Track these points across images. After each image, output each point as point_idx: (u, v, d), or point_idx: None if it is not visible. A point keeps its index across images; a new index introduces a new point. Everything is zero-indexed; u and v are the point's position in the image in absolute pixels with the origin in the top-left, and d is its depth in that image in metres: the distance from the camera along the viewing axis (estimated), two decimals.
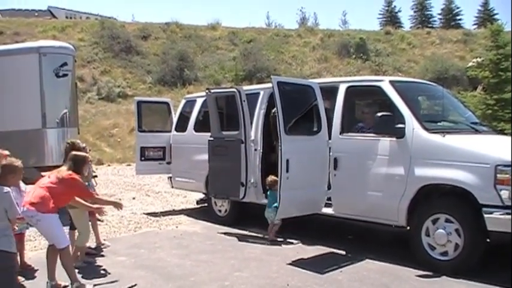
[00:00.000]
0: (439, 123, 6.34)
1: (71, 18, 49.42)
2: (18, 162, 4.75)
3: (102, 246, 6.80)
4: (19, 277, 5.23)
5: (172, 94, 23.49)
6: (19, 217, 5.39)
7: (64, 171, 5.25)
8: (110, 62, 27.69)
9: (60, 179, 5.13)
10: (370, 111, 6.74)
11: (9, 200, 4.43)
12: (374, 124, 6.13)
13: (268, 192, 7.17)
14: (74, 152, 5.57)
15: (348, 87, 6.78)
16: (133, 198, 11.12)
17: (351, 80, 7.37)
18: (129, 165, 17.27)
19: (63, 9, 60.65)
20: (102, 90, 25.05)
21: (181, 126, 9.43)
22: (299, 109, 6.71)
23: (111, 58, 28.08)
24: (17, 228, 5.12)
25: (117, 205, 5.77)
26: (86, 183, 6.09)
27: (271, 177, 6.98)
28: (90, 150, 6.99)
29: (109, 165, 18.20)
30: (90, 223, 6.34)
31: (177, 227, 8.20)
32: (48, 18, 40.08)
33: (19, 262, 5.66)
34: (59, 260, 5.11)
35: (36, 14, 48.73)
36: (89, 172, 6.61)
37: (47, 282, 5.07)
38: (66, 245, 5.10)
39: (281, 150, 6.07)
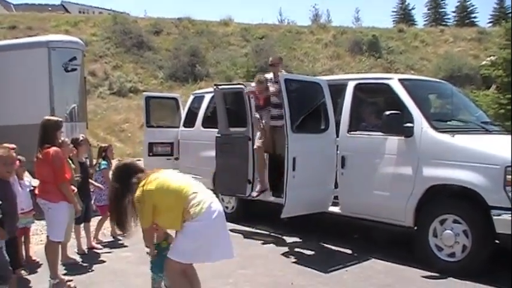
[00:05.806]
0: (448, 123, 6.27)
1: (83, 13, 49.53)
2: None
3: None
4: (22, 271, 5.24)
5: (183, 90, 23.43)
6: (26, 211, 5.41)
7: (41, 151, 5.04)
8: (121, 57, 27.71)
9: (41, 159, 5.05)
10: (378, 109, 6.65)
11: None
12: (382, 122, 6.02)
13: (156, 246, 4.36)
14: (46, 117, 5.45)
15: (357, 85, 6.71)
16: None
17: (359, 77, 7.28)
18: (139, 160, 17.26)
19: (77, 4, 60.96)
20: (113, 85, 25.06)
21: (190, 122, 9.39)
22: (307, 107, 6.65)
23: (123, 53, 28.09)
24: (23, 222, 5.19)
25: (76, 208, 5.35)
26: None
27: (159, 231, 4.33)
28: (110, 146, 7.09)
29: (119, 160, 18.24)
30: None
31: None
32: (61, 13, 40.30)
33: (24, 256, 5.69)
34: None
35: (49, 8, 48.97)
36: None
37: (49, 281, 5.03)
38: (56, 240, 5.16)
39: (288, 148, 6.01)
